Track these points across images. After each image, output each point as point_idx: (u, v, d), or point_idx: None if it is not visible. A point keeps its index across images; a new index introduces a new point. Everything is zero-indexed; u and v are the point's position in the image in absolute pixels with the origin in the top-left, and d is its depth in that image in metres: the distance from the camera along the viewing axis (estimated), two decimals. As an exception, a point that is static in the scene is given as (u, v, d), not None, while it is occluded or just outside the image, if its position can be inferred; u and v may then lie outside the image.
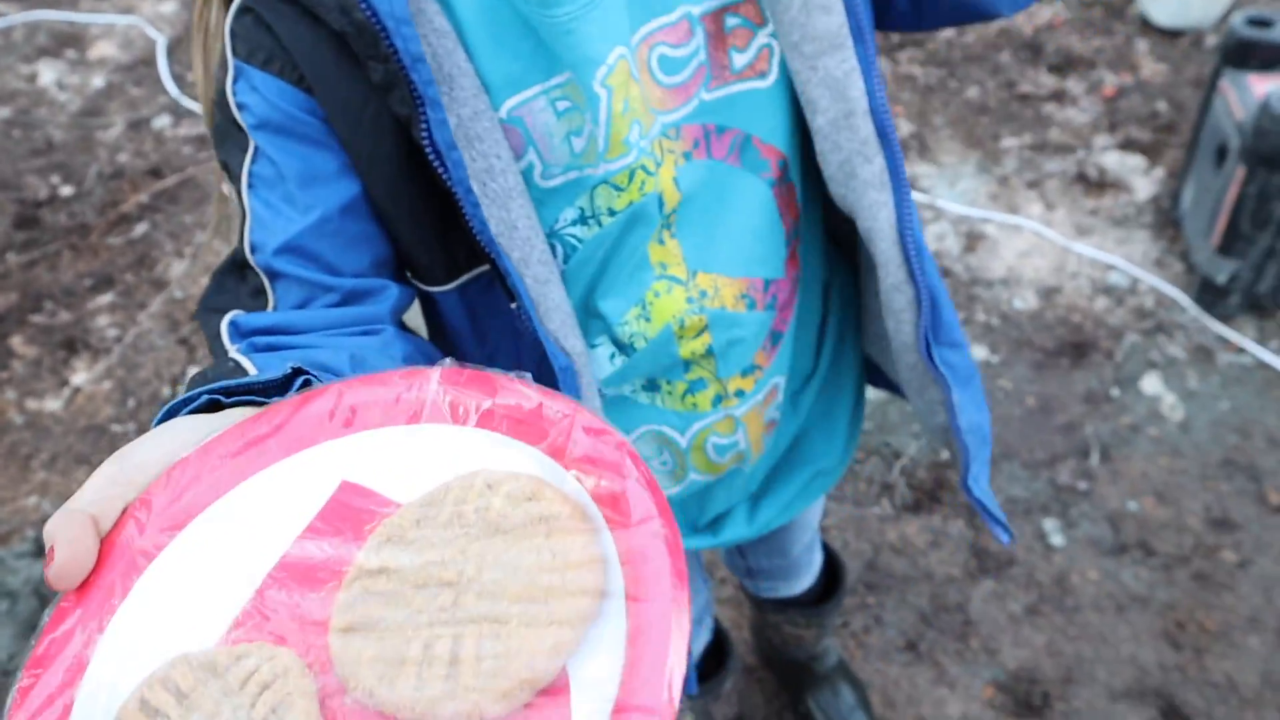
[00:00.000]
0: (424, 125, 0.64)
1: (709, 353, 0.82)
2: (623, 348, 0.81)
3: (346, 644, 0.42)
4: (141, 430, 2.13)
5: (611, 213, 0.74)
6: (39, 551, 1.93)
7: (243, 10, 0.68)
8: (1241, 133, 1.94)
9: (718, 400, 0.85)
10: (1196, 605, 1.68)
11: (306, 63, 0.66)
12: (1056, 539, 1.79)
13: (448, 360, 0.49)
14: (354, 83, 0.66)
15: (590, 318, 0.80)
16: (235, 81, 0.68)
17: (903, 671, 1.65)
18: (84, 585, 0.45)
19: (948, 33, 2.87)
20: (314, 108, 0.67)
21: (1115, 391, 2.00)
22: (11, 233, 2.62)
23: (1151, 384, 2.01)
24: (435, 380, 0.49)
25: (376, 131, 0.67)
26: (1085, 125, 2.57)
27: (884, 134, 0.73)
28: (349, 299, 0.68)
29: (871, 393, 2.06)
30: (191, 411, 0.51)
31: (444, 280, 0.75)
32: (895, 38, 2.85)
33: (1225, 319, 2.10)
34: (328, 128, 0.68)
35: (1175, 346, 2.07)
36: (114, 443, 2.12)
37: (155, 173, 2.77)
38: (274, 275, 0.67)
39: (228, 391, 0.52)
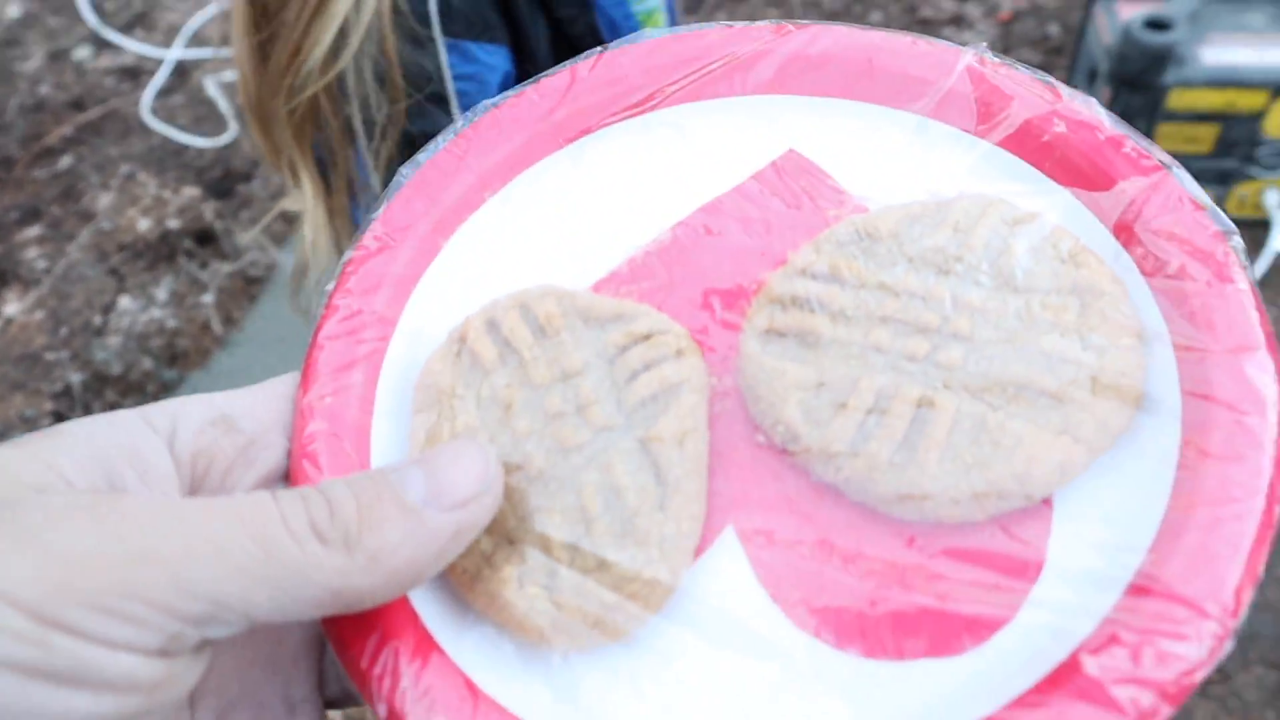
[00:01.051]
0: None
1: None
2: None
3: (766, 350, 0.33)
4: (77, 359, 2.22)
5: None
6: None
7: None
8: (1108, 56, 2.07)
9: None
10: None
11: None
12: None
13: (983, 44, 0.38)
14: None
15: None
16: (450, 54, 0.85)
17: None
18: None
19: (855, -42, 2.95)
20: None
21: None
22: (-65, 167, 2.65)
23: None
24: (965, 61, 0.36)
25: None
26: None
27: None
28: None
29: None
30: None
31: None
32: (804, -37, 2.93)
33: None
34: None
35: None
36: (49, 370, 2.21)
37: (77, 105, 2.79)
38: None
39: None
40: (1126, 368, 0.30)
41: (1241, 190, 2.14)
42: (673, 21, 1.06)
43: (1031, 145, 0.35)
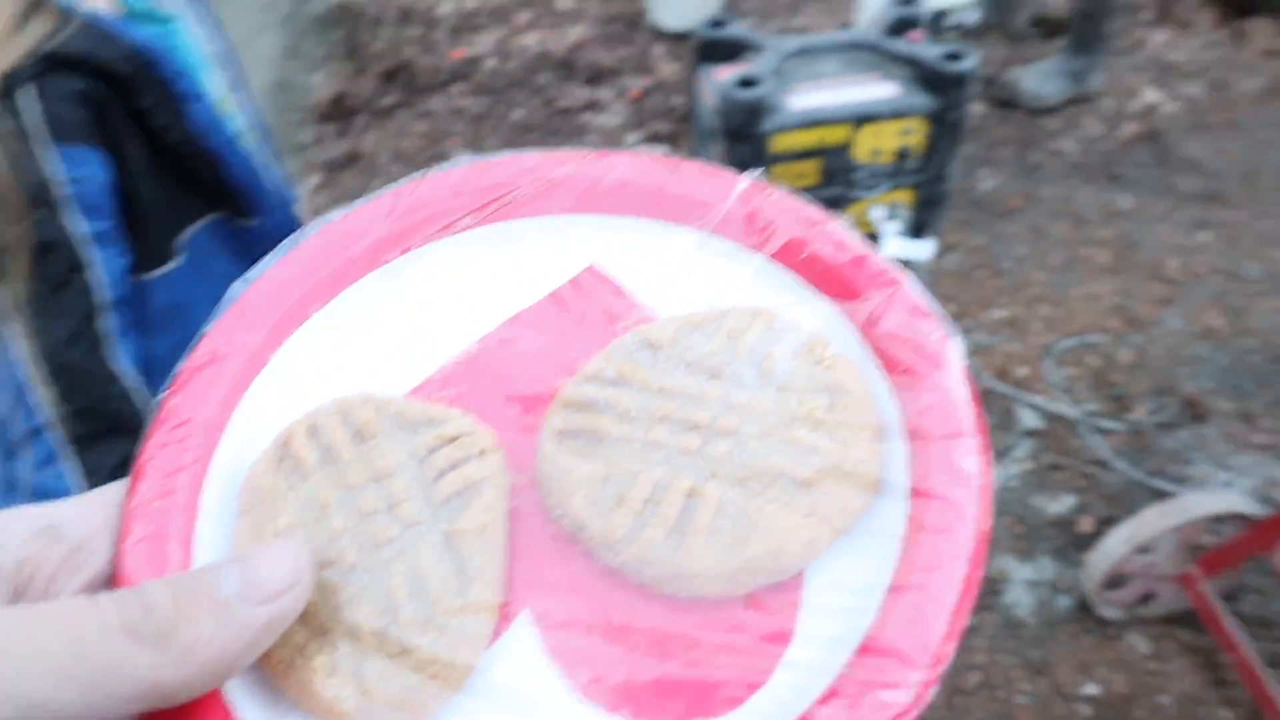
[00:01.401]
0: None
1: None
2: None
3: (559, 449, 0.37)
4: None
5: None
6: None
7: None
8: (714, 115, 2.32)
9: None
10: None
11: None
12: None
13: (758, 171, 0.42)
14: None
15: None
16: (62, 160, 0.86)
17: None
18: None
19: (491, 62, 3.14)
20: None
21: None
22: None
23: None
24: (741, 187, 0.41)
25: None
26: (618, 126, 2.92)
27: None
28: None
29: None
30: None
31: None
32: (443, 74, 3.08)
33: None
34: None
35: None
36: None
37: None
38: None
39: None
40: (865, 457, 0.35)
41: (851, 211, 2.45)
42: (264, 135, 1.10)
43: (795, 260, 0.40)
